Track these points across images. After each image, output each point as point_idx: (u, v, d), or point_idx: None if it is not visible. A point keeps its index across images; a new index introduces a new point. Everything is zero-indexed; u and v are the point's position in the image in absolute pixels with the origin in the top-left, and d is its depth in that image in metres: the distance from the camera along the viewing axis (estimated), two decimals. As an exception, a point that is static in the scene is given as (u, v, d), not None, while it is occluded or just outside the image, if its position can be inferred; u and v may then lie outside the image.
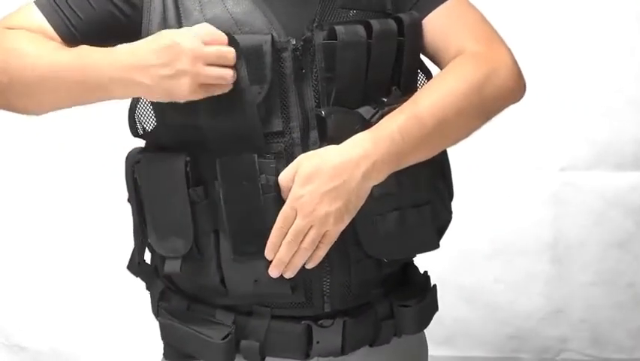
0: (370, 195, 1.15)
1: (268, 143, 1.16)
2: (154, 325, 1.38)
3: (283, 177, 1.14)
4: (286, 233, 1.13)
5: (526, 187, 2.38)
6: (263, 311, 1.24)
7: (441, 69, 1.25)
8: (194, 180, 1.18)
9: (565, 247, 2.39)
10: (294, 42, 1.17)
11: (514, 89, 1.23)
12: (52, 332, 2.47)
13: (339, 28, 1.16)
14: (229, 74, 1.10)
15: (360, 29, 1.17)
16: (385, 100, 1.18)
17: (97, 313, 2.45)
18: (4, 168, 2.48)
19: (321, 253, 1.15)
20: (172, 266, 1.23)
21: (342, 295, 1.24)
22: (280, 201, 1.14)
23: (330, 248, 1.18)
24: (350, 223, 1.16)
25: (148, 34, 1.16)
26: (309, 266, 1.16)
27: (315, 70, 1.18)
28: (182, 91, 1.10)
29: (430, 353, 1.45)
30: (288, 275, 1.16)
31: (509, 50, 1.25)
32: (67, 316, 2.46)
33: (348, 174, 1.11)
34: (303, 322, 1.24)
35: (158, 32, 1.13)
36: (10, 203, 2.49)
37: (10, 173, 2.48)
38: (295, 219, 1.12)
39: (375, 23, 1.18)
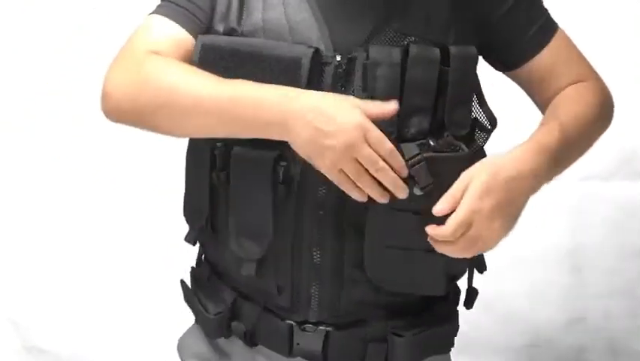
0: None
1: (295, 156, 1.14)
2: (176, 334, 1.43)
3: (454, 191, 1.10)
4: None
5: (545, 197, 2.35)
6: (258, 300, 1.28)
7: (544, 102, 1.30)
8: (222, 165, 1.20)
9: (583, 257, 2.39)
10: (339, 58, 1.16)
11: (611, 119, 1.34)
12: (72, 337, 2.47)
13: (372, 48, 1.15)
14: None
15: (395, 51, 1.15)
16: (432, 144, 1.15)
17: (119, 319, 2.46)
18: (22, 169, 2.50)
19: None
20: (190, 237, 1.34)
21: (330, 309, 1.24)
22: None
23: (325, 264, 1.21)
24: (356, 245, 1.18)
25: (211, 24, 1.21)
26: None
27: (353, 89, 1.16)
28: (323, 166, 1.09)
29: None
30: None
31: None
32: (89, 321, 2.47)
33: (519, 188, 1.13)
34: (287, 321, 1.26)
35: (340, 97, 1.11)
36: (33, 206, 2.50)
37: (30, 174, 2.49)
38: (468, 229, 1.10)
39: (413, 47, 1.15)
